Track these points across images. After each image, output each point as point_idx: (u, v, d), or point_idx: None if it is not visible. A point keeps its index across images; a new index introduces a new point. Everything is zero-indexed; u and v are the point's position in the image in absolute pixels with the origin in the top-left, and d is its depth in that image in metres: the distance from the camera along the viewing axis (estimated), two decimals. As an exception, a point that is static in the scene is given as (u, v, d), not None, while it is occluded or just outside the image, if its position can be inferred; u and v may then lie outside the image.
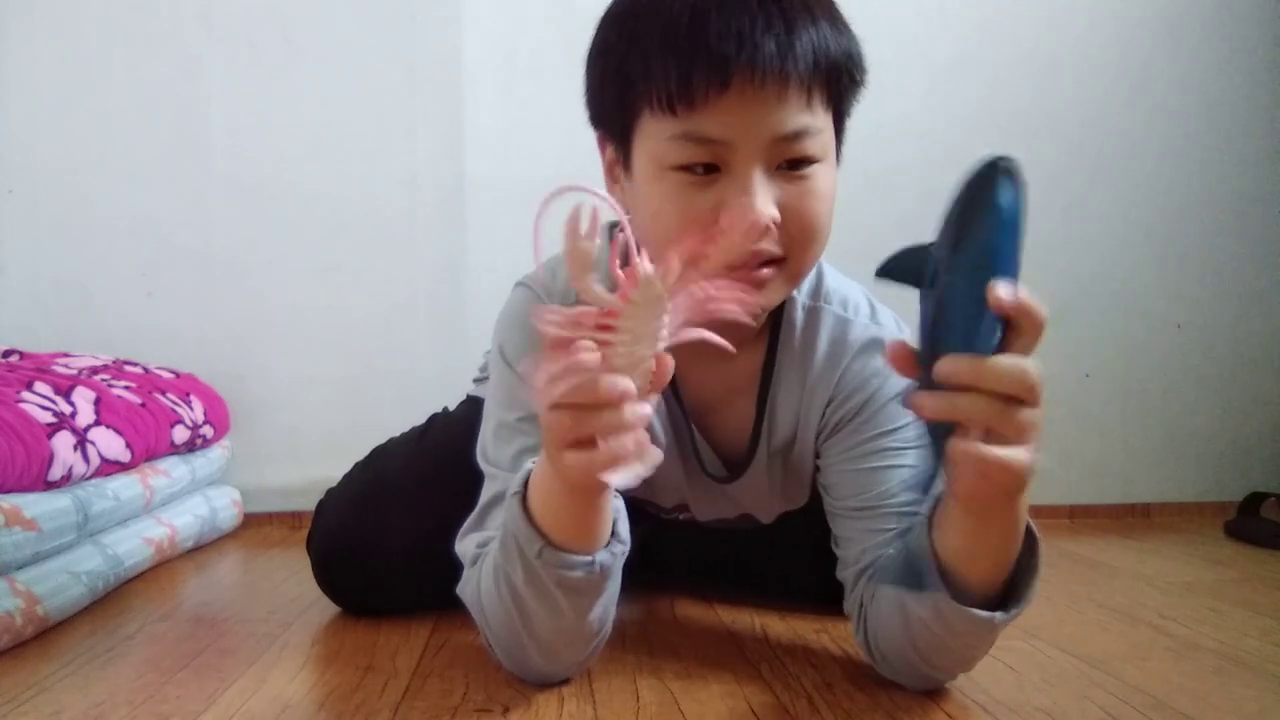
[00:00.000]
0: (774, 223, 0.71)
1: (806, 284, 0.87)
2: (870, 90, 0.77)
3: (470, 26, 1.64)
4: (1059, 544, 1.49)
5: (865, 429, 0.85)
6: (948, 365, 0.56)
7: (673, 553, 1.17)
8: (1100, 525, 1.68)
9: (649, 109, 0.71)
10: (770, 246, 0.73)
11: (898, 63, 1.66)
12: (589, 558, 0.69)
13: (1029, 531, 0.67)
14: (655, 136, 0.72)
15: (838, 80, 0.73)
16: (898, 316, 0.89)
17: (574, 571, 0.68)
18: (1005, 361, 0.56)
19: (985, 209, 0.55)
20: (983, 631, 0.70)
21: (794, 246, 0.74)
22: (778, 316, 0.86)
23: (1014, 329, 0.56)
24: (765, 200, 0.70)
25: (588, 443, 0.57)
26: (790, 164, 0.72)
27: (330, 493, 1.10)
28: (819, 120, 0.72)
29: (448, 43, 1.64)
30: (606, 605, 0.74)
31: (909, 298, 0.61)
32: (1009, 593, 0.69)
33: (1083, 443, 1.75)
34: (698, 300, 0.55)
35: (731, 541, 1.10)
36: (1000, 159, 0.55)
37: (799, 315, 0.86)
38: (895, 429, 0.84)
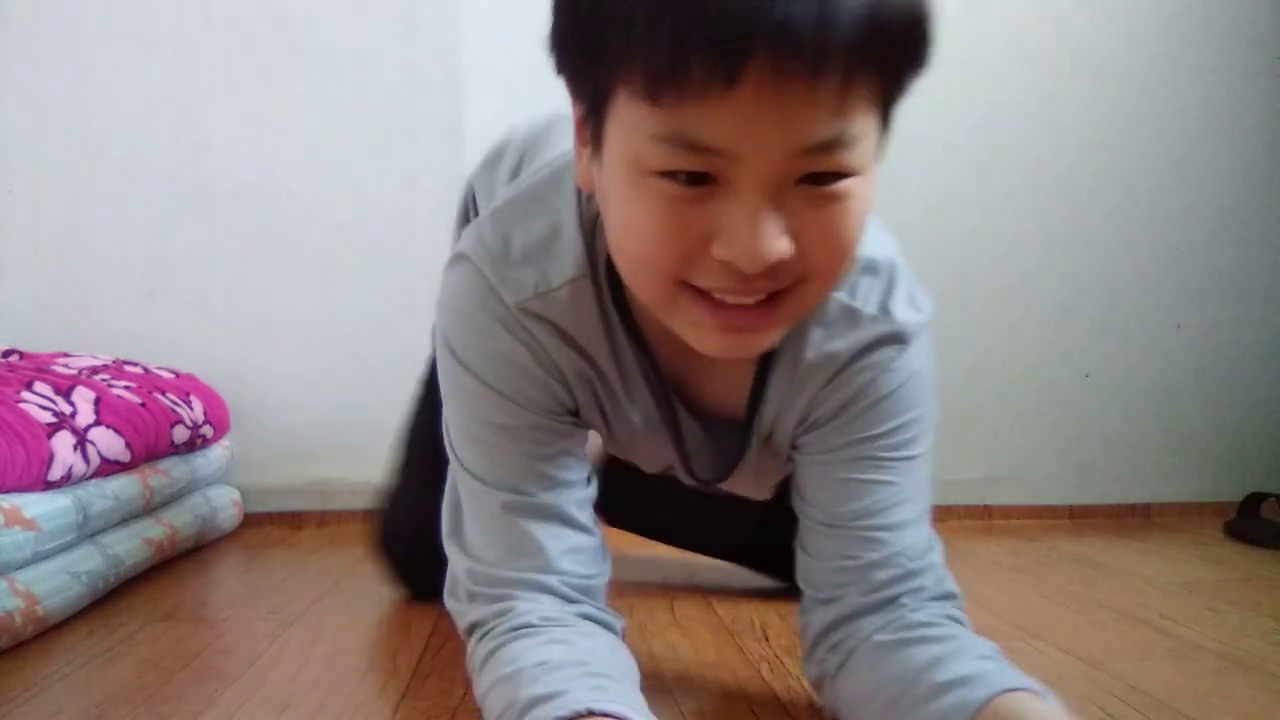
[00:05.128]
0: (785, 257, 0.53)
1: None
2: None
3: (470, 26, 1.64)
4: (1059, 544, 1.49)
5: (846, 430, 0.70)
6: None
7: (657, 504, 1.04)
8: (1100, 525, 1.68)
9: (625, 89, 0.51)
10: (776, 282, 0.55)
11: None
12: None
13: None
14: (632, 128, 0.52)
15: (895, 60, 0.52)
16: (916, 298, 0.71)
17: None
18: None
19: None
20: None
21: (815, 272, 0.56)
22: None
23: None
24: (774, 232, 0.52)
25: None
26: (815, 177, 0.52)
27: (389, 497, 1.09)
28: (858, 125, 0.51)
29: (448, 43, 1.63)
30: None
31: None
32: None
33: (1083, 443, 1.75)
34: None
35: (718, 509, 0.99)
36: None
37: None
38: (881, 434, 0.70)
